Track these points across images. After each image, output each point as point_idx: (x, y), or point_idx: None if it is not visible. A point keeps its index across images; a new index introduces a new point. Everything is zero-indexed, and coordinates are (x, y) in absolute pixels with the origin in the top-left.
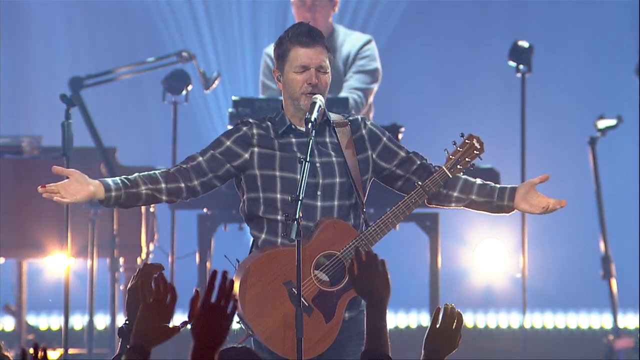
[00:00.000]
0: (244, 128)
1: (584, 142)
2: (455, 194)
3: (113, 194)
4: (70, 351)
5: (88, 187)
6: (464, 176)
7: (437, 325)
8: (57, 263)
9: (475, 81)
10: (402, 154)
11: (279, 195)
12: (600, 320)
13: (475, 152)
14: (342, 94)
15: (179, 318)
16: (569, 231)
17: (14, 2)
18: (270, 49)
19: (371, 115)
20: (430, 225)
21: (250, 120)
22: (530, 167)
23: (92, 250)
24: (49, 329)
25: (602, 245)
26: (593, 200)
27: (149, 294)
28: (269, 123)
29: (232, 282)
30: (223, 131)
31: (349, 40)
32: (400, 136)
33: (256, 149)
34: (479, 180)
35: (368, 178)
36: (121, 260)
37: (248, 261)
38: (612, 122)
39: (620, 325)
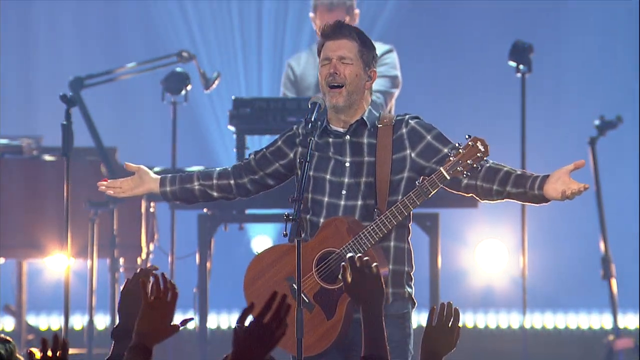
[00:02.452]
0: (294, 127)
1: (584, 142)
2: (495, 187)
3: (168, 189)
4: (71, 351)
5: (148, 183)
6: (505, 167)
7: (433, 324)
8: (57, 263)
9: (475, 81)
10: (445, 150)
11: (310, 195)
12: (600, 321)
13: (478, 154)
14: None
15: (178, 317)
16: (569, 231)
17: (17, 2)
18: (291, 59)
19: None
20: (431, 225)
21: (304, 120)
22: (530, 167)
23: (92, 251)
24: (49, 329)
25: (602, 246)
26: (593, 200)
27: (150, 292)
28: (319, 122)
29: (289, 307)
30: (225, 131)
31: None
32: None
33: (299, 149)
34: (519, 171)
35: (404, 177)
36: (121, 260)
37: (254, 257)
38: (612, 121)
39: (621, 325)
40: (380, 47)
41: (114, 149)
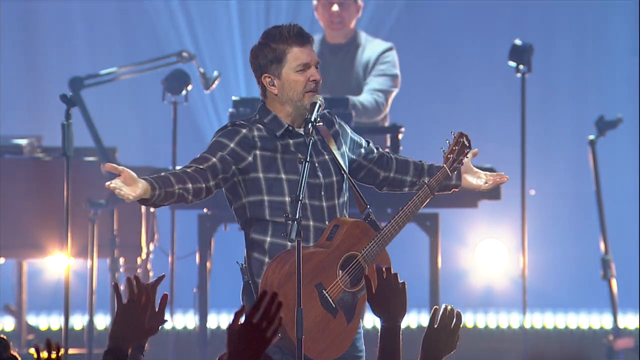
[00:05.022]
0: (244, 130)
1: (584, 142)
2: (409, 178)
3: (157, 192)
4: (70, 351)
5: (139, 185)
6: (410, 159)
7: (435, 325)
8: (57, 263)
9: (475, 81)
10: (364, 144)
11: (287, 199)
12: (600, 321)
13: (466, 149)
14: (362, 96)
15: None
16: (569, 231)
17: (15, 2)
18: None
19: (386, 123)
20: (431, 225)
21: (244, 122)
22: (530, 168)
23: (92, 251)
24: (49, 329)
25: (602, 246)
26: (593, 200)
27: (126, 295)
28: (260, 125)
29: (279, 305)
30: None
31: (370, 46)
32: (400, 136)
33: (258, 152)
34: (425, 162)
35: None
36: (121, 260)
37: (280, 264)
38: (613, 121)
39: (621, 325)
40: (380, 45)
41: (114, 149)
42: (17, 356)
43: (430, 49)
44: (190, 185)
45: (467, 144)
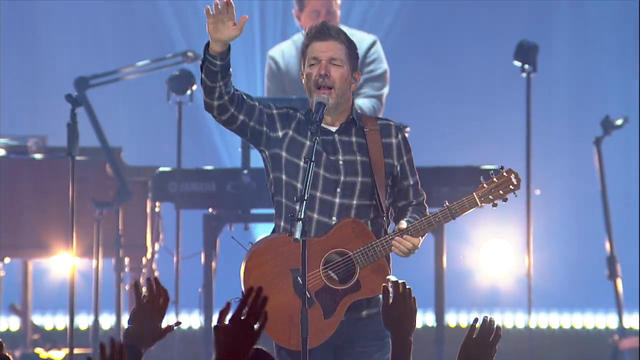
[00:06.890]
0: (290, 110)
1: (590, 142)
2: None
3: (229, 56)
4: (76, 351)
5: (227, 34)
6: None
7: (474, 336)
8: (63, 263)
9: (481, 81)
10: (405, 183)
11: (299, 186)
12: (605, 321)
13: (511, 187)
14: (361, 100)
15: (172, 318)
16: (575, 231)
17: (21, 2)
18: (273, 52)
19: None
20: None
21: (293, 108)
22: (535, 167)
23: (97, 250)
24: (54, 329)
25: (607, 246)
26: (599, 200)
27: (143, 295)
28: (301, 116)
29: (265, 300)
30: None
31: (354, 40)
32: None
33: (291, 132)
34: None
35: (389, 184)
36: (126, 260)
37: (262, 240)
38: (618, 121)
39: (626, 325)
40: (364, 40)
41: (120, 148)
42: (10, 356)
43: (433, 48)
44: (235, 92)
45: (515, 182)
